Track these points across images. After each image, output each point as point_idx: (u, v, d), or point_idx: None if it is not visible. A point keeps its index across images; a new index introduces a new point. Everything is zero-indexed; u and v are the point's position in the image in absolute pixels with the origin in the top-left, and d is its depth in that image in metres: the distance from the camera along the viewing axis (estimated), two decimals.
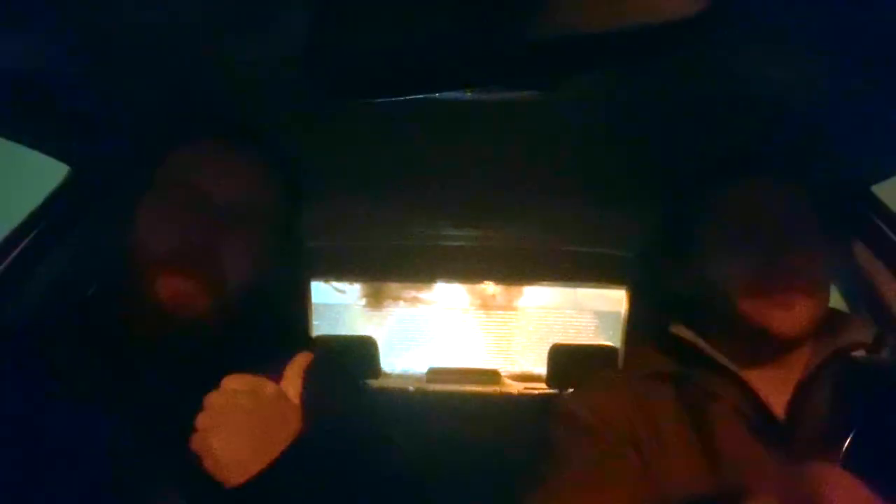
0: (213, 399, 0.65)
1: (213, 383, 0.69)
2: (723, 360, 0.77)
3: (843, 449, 0.67)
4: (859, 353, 0.82)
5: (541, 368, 2.36)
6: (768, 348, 0.76)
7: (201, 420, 0.64)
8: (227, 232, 0.74)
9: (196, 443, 0.64)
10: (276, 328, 0.85)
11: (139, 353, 0.74)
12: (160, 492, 0.67)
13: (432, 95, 0.81)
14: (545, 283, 3.10)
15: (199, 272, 0.72)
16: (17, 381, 0.70)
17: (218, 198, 0.75)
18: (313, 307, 2.01)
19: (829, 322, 0.77)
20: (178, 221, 0.73)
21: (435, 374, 2.99)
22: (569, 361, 2.05)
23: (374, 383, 2.23)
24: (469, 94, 0.86)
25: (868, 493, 0.41)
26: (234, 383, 0.66)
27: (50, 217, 1.07)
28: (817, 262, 0.76)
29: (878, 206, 1.07)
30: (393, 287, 4.93)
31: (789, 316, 0.73)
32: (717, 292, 0.77)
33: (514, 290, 5.21)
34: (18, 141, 0.97)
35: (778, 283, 0.73)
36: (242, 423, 0.64)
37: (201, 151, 0.79)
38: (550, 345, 2.16)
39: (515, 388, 2.78)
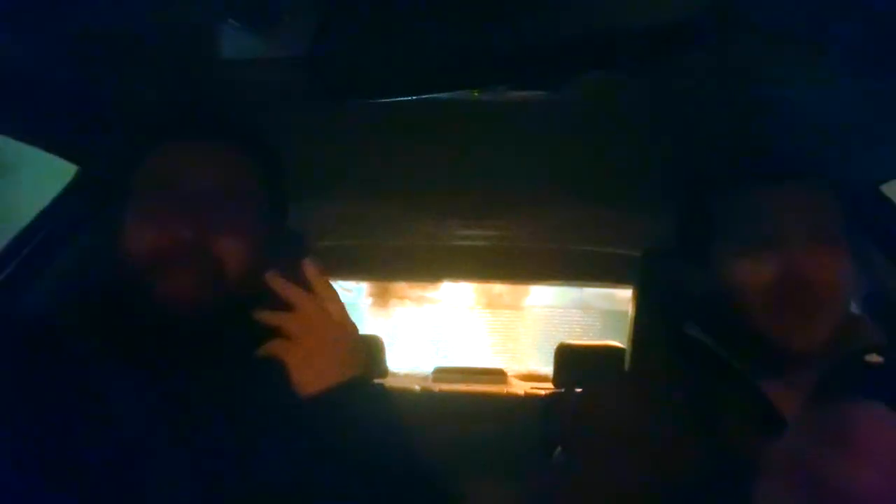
0: (304, 307, 0.71)
1: (220, 381, 0.70)
2: (734, 363, 0.76)
3: None
4: (872, 357, 0.81)
5: (547, 368, 2.35)
6: (780, 355, 0.76)
7: (295, 328, 0.70)
8: (212, 225, 0.74)
9: (283, 348, 0.70)
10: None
11: (146, 349, 0.74)
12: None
13: (439, 96, 0.81)
14: (552, 282, 3.10)
15: (191, 269, 0.72)
16: (31, 373, 0.71)
17: (197, 192, 0.75)
18: None
19: (842, 325, 0.76)
20: (162, 221, 0.73)
21: (441, 374, 2.98)
22: (575, 361, 2.05)
23: (380, 383, 2.23)
24: (476, 94, 0.86)
25: None
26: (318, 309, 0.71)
27: (60, 216, 1.08)
28: (840, 272, 0.73)
29: (887, 205, 1.07)
30: (399, 286, 4.93)
31: (807, 330, 0.71)
32: (731, 301, 0.75)
33: (520, 289, 5.19)
34: (28, 142, 0.97)
35: (797, 293, 0.71)
36: (329, 337, 0.71)
37: (175, 150, 0.79)
38: (557, 344, 2.15)
39: (521, 387, 2.77)
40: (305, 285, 0.73)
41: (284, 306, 0.72)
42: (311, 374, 0.70)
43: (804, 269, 0.72)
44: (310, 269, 0.74)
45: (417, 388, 2.51)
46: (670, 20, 0.48)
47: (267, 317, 0.72)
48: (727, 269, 0.76)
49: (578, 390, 1.92)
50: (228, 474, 0.67)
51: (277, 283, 0.72)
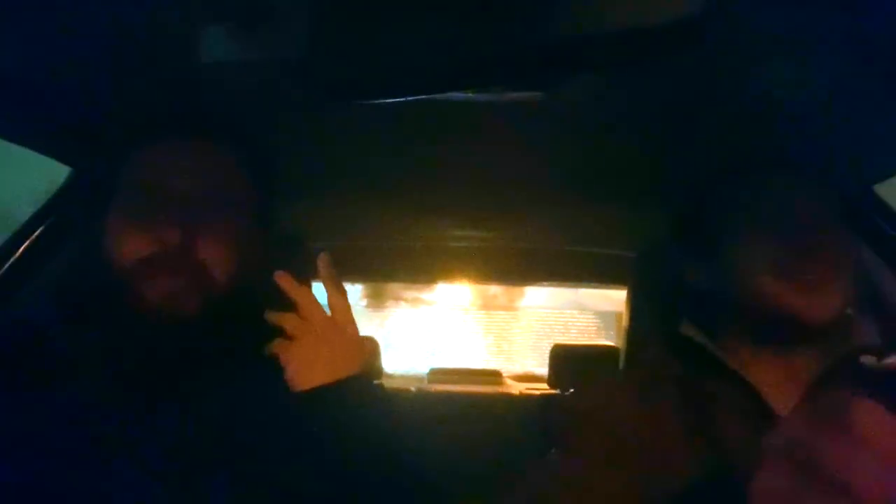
0: (309, 311, 0.72)
1: (216, 382, 0.69)
2: (731, 363, 0.76)
3: None
4: (866, 358, 0.81)
5: (542, 369, 2.36)
6: (781, 347, 0.76)
7: (295, 328, 0.72)
8: (197, 228, 0.73)
9: (282, 346, 0.72)
10: (277, 329, 0.84)
11: (134, 352, 0.73)
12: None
13: (434, 96, 0.81)
14: (547, 283, 3.10)
15: (176, 274, 0.72)
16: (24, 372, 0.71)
17: (181, 194, 0.74)
18: None
19: (837, 325, 0.77)
20: (147, 225, 0.72)
21: (436, 375, 2.99)
22: (570, 362, 2.05)
23: (380, 383, 2.23)
24: (471, 94, 0.86)
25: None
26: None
27: (53, 218, 1.07)
28: (846, 251, 0.76)
29: (881, 205, 1.07)
30: (394, 287, 4.93)
31: (820, 301, 0.73)
32: (743, 282, 0.77)
33: (515, 290, 5.21)
34: (21, 143, 0.97)
35: (809, 268, 0.73)
36: (327, 338, 0.72)
37: (160, 150, 0.78)
38: (552, 345, 2.16)
39: (517, 388, 2.78)
40: (308, 285, 0.73)
41: (288, 306, 0.72)
42: (309, 373, 0.71)
43: (816, 244, 0.74)
44: (325, 263, 0.75)
45: (413, 389, 2.51)
46: (667, 21, 0.48)
47: (272, 317, 0.72)
48: (736, 259, 0.78)
49: (573, 391, 1.93)
50: (219, 475, 0.66)
51: (286, 281, 0.72)
